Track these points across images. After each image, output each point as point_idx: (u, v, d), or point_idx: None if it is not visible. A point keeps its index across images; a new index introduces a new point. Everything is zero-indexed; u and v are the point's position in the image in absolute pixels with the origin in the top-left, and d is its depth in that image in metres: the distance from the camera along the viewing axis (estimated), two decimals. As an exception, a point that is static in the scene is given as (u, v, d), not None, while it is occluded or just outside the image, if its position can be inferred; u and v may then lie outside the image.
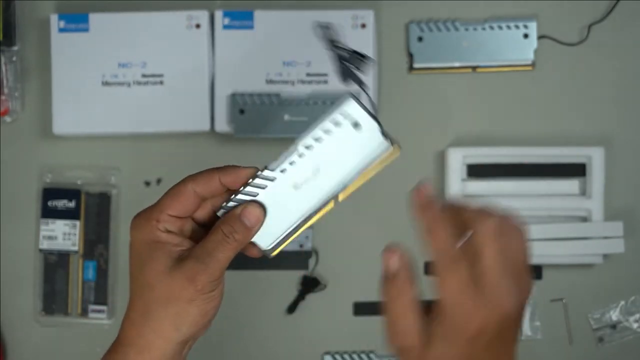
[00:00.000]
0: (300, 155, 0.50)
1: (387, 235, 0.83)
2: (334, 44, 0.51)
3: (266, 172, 0.50)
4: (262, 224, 0.50)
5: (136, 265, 0.50)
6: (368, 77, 0.81)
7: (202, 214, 0.52)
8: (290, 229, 0.51)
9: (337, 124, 0.50)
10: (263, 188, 0.50)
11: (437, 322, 0.45)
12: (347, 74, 0.51)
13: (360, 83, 0.51)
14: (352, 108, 0.50)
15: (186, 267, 0.49)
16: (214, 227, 0.50)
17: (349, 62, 0.51)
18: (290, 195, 0.50)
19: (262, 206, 0.50)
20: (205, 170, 0.51)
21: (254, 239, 0.51)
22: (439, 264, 0.45)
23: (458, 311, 0.44)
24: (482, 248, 0.44)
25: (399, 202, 0.84)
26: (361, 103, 0.50)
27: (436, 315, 0.45)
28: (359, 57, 0.51)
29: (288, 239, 0.51)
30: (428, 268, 0.85)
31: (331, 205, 0.51)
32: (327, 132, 0.50)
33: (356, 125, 0.50)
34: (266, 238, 0.51)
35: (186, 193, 0.50)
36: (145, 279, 0.50)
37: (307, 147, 0.50)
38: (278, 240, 0.51)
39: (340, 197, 0.51)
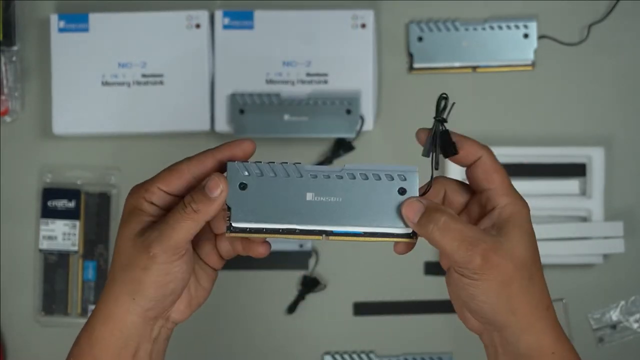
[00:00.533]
0: (339, 178, 0.48)
1: (387, 235, 0.83)
2: (440, 117, 0.51)
3: (292, 167, 0.48)
4: (224, 196, 0.47)
5: (119, 229, 0.50)
6: (368, 78, 0.81)
7: None
8: (271, 227, 0.48)
9: (389, 178, 0.49)
10: (285, 175, 0.48)
11: (500, 219, 0.49)
12: (431, 147, 0.50)
13: (436, 164, 0.50)
14: (410, 177, 0.49)
15: (145, 235, 0.48)
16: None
17: (440, 139, 0.50)
18: (298, 200, 0.48)
19: (225, 179, 0.48)
20: (202, 151, 0.51)
21: (230, 204, 0.48)
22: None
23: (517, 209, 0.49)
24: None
25: (399, 202, 0.84)
26: (417, 182, 0.49)
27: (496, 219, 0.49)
28: (450, 142, 0.50)
29: (259, 234, 0.49)
30: (428, 268, 0.86)
31: (319, 237, 0.49)
32: (376, 178, 0.49)
33: (402, 193, 0.49)
34: (243, 215, 0.48)
35: (180, 170, 0.49)
36: (117, 243, 0.50)
37: (350, 176, 0.49)
38: (249, 227, 0.48)
39: (332, 238, 0.49)
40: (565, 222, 0.82)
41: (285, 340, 0.84)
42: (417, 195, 0.49)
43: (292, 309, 0.83)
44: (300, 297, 0.83)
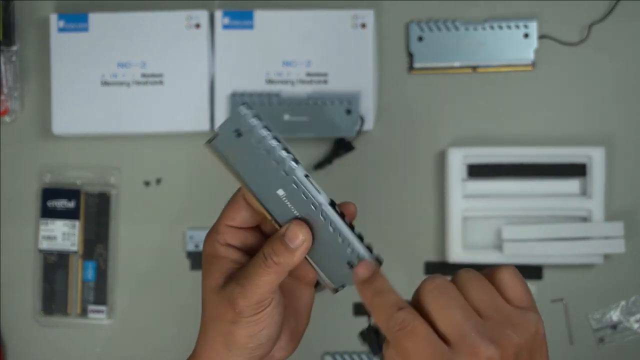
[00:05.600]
0: (312, 207, 0.47)
1: (387, 235, 0.83)
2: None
3: (288, 163, 0.46)
4: (310, 247, 0.45)
5: (202, 279, 0.49)
6: (368, 78, 0.81)
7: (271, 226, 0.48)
8: (240, 173, 0.46)
9: (350, 250, 0.47)
10: (274, 161, 0.46)
11: None
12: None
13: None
14: (368, 267, 0.48)
15: (228, 289, 0.46)
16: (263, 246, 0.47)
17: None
18: (271, 184, 0.46)
19: (309, 225, 0.45)
20: None
21: (218, 142, 0.46)
22: (390, 332, 0.43)
23: None
24: (427, 307, 0.42)
25: (399, 202, 0.84)
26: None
27: None
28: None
29: (228, 168, 0.47)
30: (429, 268, 0.86)
31: (268, 217, 0.48)
32: (340, 240, 0.47)
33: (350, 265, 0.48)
34: (225, 148, 0.46)
35: (239, 201, 0.47)
36: (202, 293, 0.48)
37: (322, 216, 0.46)
38: (226, 159, 0.46)
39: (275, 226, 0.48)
40: (566, 222, 0.82)
41: (285, 340, 0.84)
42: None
43: (292, 309, 0.83)
44: (300, 297, 0.83)
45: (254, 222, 0.48)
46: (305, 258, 0.47)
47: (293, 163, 0.46)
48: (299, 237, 0.45)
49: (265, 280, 0.45)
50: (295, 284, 0.51)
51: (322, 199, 0.46)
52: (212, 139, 0.46)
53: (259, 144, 0.46)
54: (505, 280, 0.42)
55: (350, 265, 0.47)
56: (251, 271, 0.46)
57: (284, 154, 0.46)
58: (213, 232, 0.48)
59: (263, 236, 0.49)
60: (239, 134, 0.46)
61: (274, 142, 0.46)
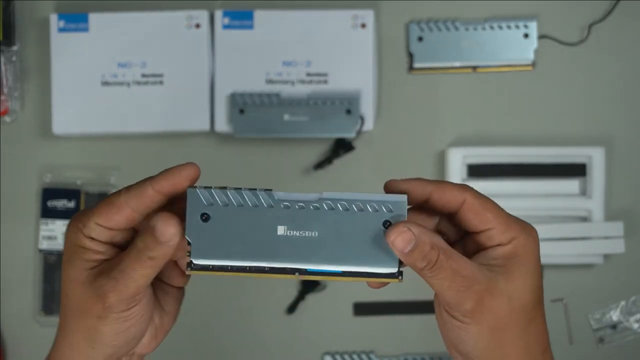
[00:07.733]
0: (315, 209, 0.42)
1: (387, 235, 0.83)
2: None
3: (262, 195, 0.42)
4: (178, 238, 0.42)
5: (62, 268, 0.45)
6: (368, 78, 0.81)
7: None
8: (237, 264, 0.43)
9: (374, 209, 0.42)
10: (253, 204, 0.42)
11: (502, 257, 0.44)
12: None
13: None
14: (398, 208, 0.42)
15: (98, 282, 0.43)
16: (135, 238, 0.44)
17: None
18: (268, 234, 0.43)
19: (178, 217, 0.42)
20: (141, 180, 0.44)
21: (190, 238, 0.43)
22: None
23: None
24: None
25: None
26: (406, 213, 0.43)
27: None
28: None
29: (223, 272, 0.43)
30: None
31: (293, 276, 0.44)
32: (358, 208, 0.42)
33: (387, 227, 0.42)
34: (205, 251, 0.43)
35: (118, 205, 0.43)
36: (63, 284, 0.45)
37: (328, 207, 0.42)
38: (212, 264, 0.43)
39: (306, 277, 0.43)
40: (565, 222, 0.82)
41: (285, 340, 0.84)
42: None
43: (292, 309, 0.83)
44: (300, 297, 0.83)
45: (127, 226, 0.45)
46: (346, 274, 0.43)
47: (268, 192, 0.43)
48: (169, 231, 0.42)
49: (139, 274, 0.43)
50: (163, 285, 0.49)
51: (314, 195, 0.43)
52: (189, 251, 0.43)
53: (231, 204, 0.42)
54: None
55: (388, 224, 0.43)
56: (125, 265, 0.43)
57: (253, 192, 0.42)
58: (78, 222, 0.44)
59: (134, 232, 0.46)
60: (205, 217, 0.43)
61: (238, 193, 0.42)
